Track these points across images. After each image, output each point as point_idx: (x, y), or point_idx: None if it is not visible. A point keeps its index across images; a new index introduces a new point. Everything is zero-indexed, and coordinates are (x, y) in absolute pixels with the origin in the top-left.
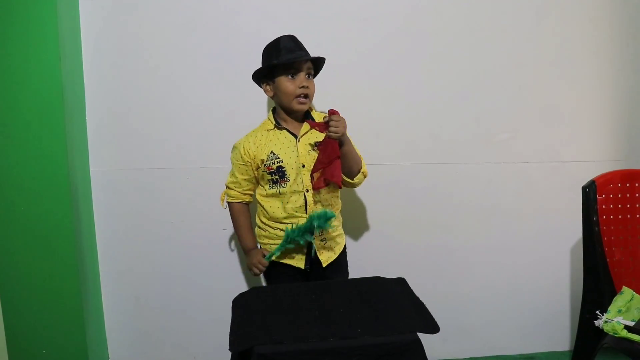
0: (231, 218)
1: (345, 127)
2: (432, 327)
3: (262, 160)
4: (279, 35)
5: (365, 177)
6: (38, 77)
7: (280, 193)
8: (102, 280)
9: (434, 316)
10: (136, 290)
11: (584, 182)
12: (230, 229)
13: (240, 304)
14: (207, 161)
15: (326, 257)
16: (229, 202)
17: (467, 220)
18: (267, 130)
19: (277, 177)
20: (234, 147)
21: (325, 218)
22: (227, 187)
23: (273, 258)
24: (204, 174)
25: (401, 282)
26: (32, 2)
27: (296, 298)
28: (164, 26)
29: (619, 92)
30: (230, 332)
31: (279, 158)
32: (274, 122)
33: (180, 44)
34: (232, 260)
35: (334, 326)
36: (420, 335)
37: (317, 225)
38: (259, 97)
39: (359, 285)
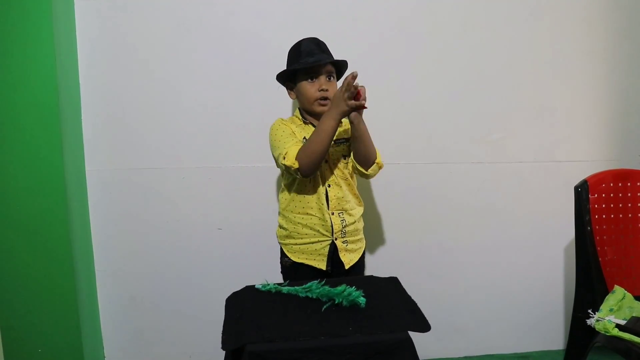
0: (313, 149)
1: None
2: (423, 326)
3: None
4: (274, 35)
5: (380, 168)
6: (34, 78)
7: (305, 184)
8: (97, 280)
9: (428, 315)
10: (132, 289)
11: (578, 182)
12: (225, 229)
13: (233, 302)
14: (202, 161)
15: (349, 259)
16: (298, 158)
17: (461, 220)
18: (297, 125)
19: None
20: (274, 126)
21: (351, 301)
22: (287, 153)
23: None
24: (199, 174)
25: (394, 281)
26: (28, 3)
27: (289, 297)
28: (159, 27)
29: (613, 92)
30: (222, 331)
31: None
32: (302, 119)
33: (176, 45)
34: (227, 260)
35: (326, 324)
36: (414, 334)
37: (341, 301)
38: (255, 97)
39: (351, 284)
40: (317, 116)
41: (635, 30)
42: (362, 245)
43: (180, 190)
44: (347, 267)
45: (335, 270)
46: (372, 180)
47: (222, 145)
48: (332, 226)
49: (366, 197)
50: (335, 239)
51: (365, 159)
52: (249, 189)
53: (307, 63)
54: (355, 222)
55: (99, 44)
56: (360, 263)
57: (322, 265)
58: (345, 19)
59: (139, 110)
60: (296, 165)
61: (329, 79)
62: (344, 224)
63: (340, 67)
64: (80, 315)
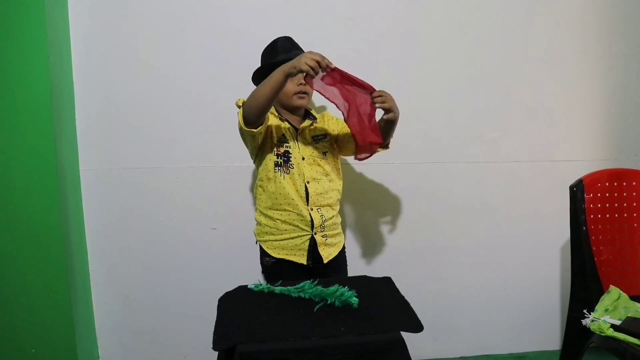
0: (256, 93)
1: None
2: (416, 326)
3: (274, 139)
4: (269, 34)
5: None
6: (26, 76)
7: (283, 178)
8: (91, 280)
9: (423, 315)
10: (126, 289)
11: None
12: (219, 228)
13: (225, 303)
14: (197, 160)
15: (327, 254)
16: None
17: (457, 220)
18: (274, 118)
19: (281, 160)
20: None
21: (344, 301)
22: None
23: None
24: (193, 173)
25: (387, 281)
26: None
27: (281, 297)
28: (155, 24)
29: (609, 91)
30: (214, 331)
31: (287, 143)
32: (277, 115)
33: (171, 42)
34: (221, 260)
35: (318, 325)
36: (410, 334)
37: (334, 301)
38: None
39: (344, 284)
40: (294, 111)
41: (630, 29)
42: (341, 239)
43: (174, 190)
44: (325, 261)
45: (315, 264)
46: (367, 179)
47: (216, 144)
48: (312, 221)
49: (360, 197)
50: (315, 234)
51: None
52: (243, 189)
53: (286, 58)
54: (333, 217)
55: (92, 41)
56: (340, 257)
57: (302, 259)
58: (340, 17)
59: (133, 109)
60: (239, 103)
61: (306, 75)
62: (323, 219)
63: None
64: (74, 315)
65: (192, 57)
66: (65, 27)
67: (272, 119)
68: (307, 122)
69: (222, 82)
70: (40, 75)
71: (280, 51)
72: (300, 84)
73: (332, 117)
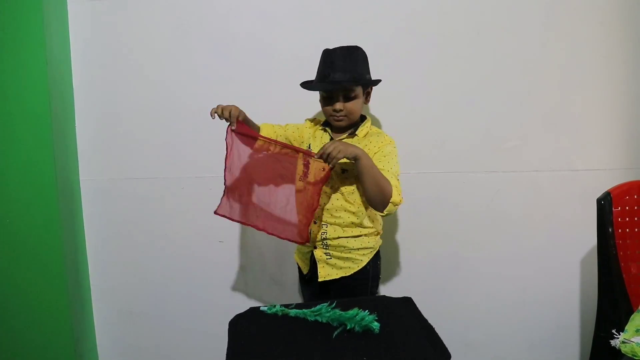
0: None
1: (339, 146)
2: (443, 355)
3: (302, 145)
4: (278, 38)
5: (397, 205)
6: (24, 84)
7: (304, 187)
8: (93, 295)
9: (439, 329)
10: (128, 304)
11: (596, 191)
12: (226, 242)
13: (236, 327)
14: (202, 171)
15: (325, 273)
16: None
17: (474, 231)
18: (316, 124)
19: (306, 170)
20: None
21: (364, 326)
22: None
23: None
24: (199, 183)
25: (408, 302)
26: (18, 4)
27: (296, 321)
28: (157, 29)
29: (632, 97)
30: (226, 359)
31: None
32: (322, 125)
33: (174, 49)
34: (228, 274)
35: (337, 354)
36: None
37: (354, 326)
38: (256, 103)
39: (363, 307)
40: (336, 128)
41: None
42: (352, 266)
43: (179, 201)
44: (320, 279)
45: (315, 278)
46: None
47: (223, 153)
48: (311, 233)
49: None
50: (315, 248)
51: (372, 199)
52: None
53: (309, 87)
54: (339, 237)
55: (93, 47)
56: (352, 285)
57: (305, 268)
58: (354, 20)
59: (136, 117)
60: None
61: (347, 98)
62: (324, 235)
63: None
64: (74, 331)
65: (197, 63)
66: (65, 34)
67: (309, 127)
68: (343, 136)
69: (229, 89)
70: (39, 84)
71: (318, 74)
72: (335, 110)
73: (376, 139)
